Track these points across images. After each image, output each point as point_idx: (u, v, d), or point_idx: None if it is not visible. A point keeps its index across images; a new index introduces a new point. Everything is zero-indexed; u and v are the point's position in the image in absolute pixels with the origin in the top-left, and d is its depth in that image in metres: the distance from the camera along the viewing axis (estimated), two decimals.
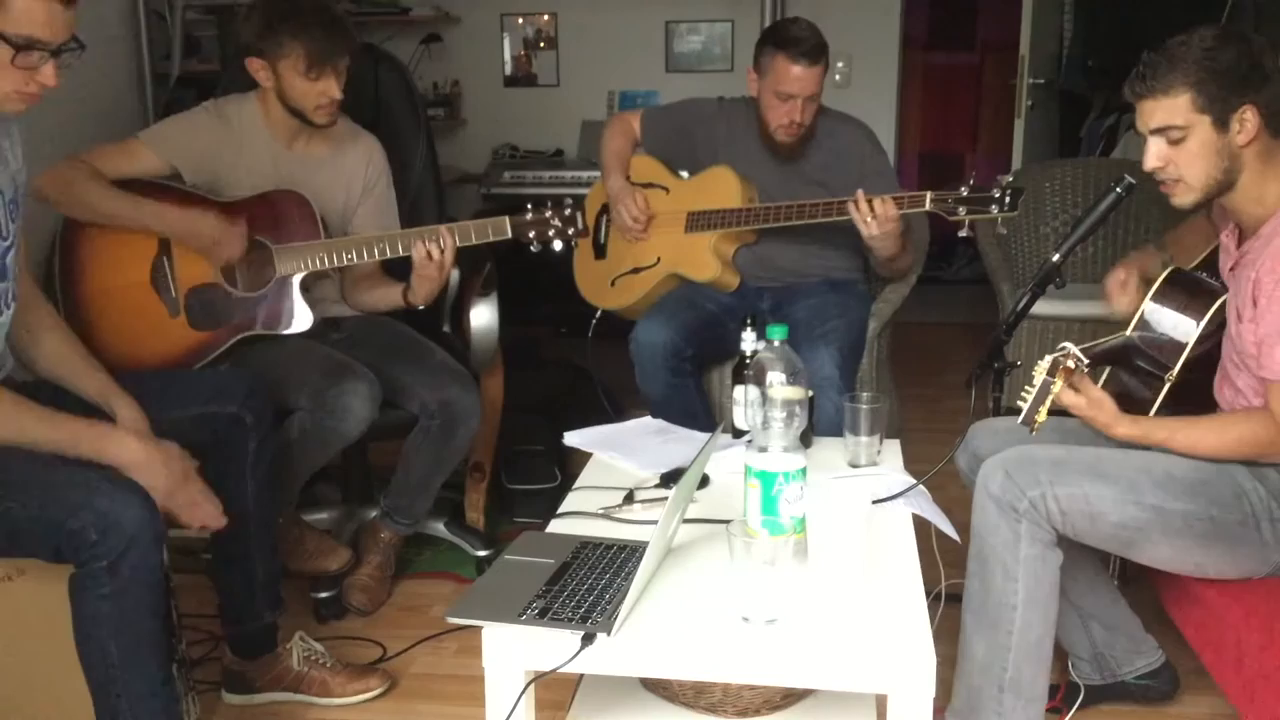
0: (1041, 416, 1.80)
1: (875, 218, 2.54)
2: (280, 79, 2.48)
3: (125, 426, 1.90)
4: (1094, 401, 1.86)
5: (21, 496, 1.70)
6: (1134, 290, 2.08)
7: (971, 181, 2.48)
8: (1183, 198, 1.86)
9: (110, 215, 2.44)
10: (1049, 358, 1.80)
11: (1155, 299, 2.01)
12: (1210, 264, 2.04)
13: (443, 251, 2.46)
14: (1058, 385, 1.79)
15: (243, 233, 2.46)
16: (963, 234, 2.53)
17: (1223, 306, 1.92)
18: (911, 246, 2.83)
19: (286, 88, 2.48)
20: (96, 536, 1.65)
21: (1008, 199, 2.44)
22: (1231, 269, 1.90)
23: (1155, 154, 1.84)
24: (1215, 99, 1.77)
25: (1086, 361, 1.81)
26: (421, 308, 2.58)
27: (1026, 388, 1.80)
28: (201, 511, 1.92)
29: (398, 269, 2.61)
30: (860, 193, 2.56)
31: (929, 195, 2.52)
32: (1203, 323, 1.94)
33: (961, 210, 2.48)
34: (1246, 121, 1.77)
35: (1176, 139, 1.81)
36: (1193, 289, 1.99)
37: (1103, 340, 2.03)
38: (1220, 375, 1.95)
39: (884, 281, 3.00)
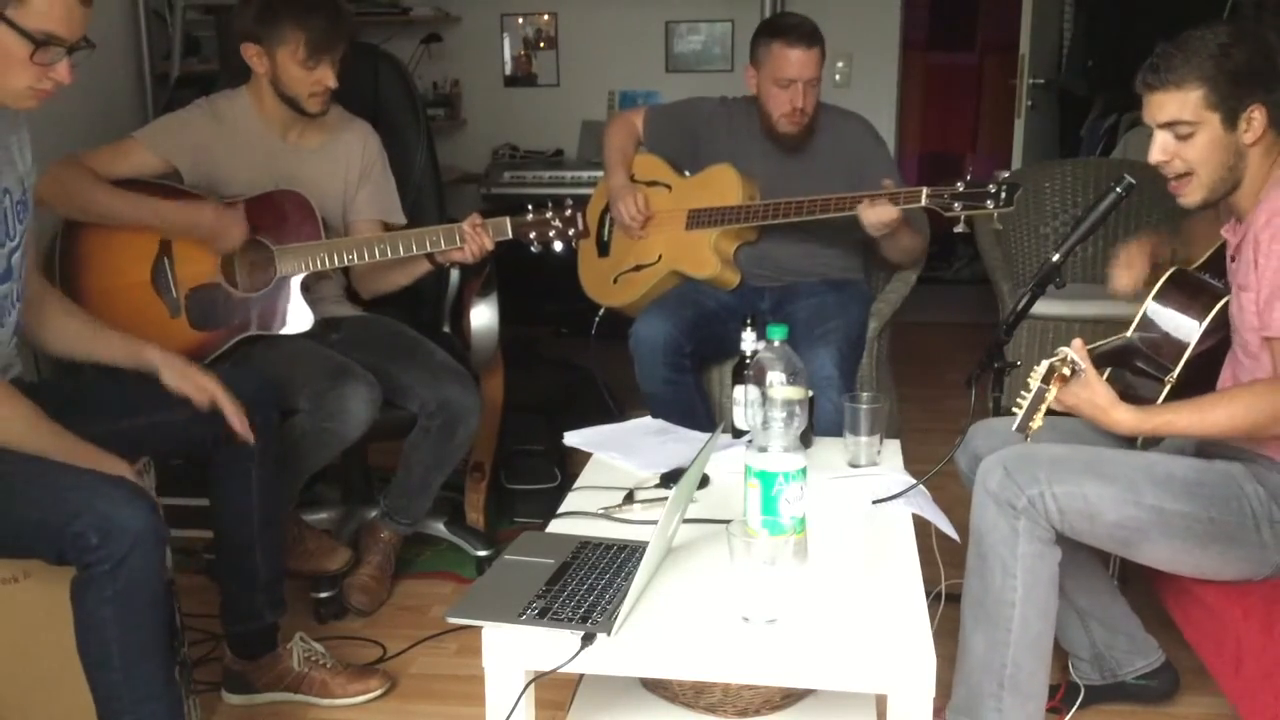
0: (1036, 424, 1.78)
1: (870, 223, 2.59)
2: (276, 66, 2.47)
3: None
4: (1086, 384, 1.79)
5: (24, 499, 1.69)
6: (1139, 269, 2.06)
7: (968, 177, 2.47)
8: (1191, 196, 1.86)
9: (107, 214, 2.44)
10: (1045, 363, 1.78)
11: (1157, 299, 2.00)
12: (1214, 265, 2.03)
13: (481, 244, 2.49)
14: (1052, 392, 1.77)
15: (242, 218, 2.46)
16: (959, 230, 2.50)
17: (1225, 307, 1.91)
18: (914, 230, 2.84)
19: (282, 75, 2.48)
20: (98, 540, 1.64)
21: (1004, 194, 2.43)
22: (1233, 258, 1.89)
23: (1161, 147, 1.84)
24: (1227, 97, 1.77)
25: (1083, 368, 1.79)
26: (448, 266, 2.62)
27: (1023, 393, 1.79)
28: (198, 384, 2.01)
29: None
30: (866, 200, 2.59)
31: (925, 191, 2.52)
32: (1204, 323, 1.93)
33: (957, 206, 2.47)
34: (1254, 120, 1.78)
35: (1184, 134, 1.81)
36: (1195, 290, 1.99)
37: (1103, 342, 2.03)
38: (1229, 373, 1.93)
39: (885, 279, 3.00)
